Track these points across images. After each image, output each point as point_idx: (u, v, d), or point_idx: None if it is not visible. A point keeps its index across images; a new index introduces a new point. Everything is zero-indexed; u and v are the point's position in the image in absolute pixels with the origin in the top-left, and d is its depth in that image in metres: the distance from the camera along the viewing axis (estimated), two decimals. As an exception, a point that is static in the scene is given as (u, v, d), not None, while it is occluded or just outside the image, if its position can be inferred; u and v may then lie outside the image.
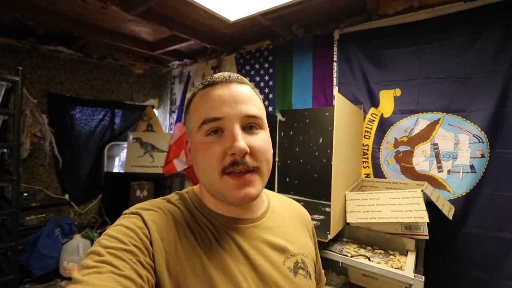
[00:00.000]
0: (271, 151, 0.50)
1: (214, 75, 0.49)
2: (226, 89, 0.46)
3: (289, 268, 0.50)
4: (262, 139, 0.47)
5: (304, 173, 1.96)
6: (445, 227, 1.45)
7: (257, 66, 2.33)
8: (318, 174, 1.89)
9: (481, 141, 1.43)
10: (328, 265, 1.47)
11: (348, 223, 1.36)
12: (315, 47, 2.01)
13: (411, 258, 1.17)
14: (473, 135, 1.45)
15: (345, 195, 1.42)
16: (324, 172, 1.85)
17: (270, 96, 2.24)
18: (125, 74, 2.98)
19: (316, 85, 1.98)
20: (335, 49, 1.92)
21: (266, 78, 2.26)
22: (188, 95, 0.52)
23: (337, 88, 1.79)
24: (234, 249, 0.47)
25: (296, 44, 2.11)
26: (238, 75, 0.50)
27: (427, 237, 1.20)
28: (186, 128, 0.53)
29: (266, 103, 2.25)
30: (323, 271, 0.69)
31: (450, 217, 1.32)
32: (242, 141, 0.44)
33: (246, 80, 0.51)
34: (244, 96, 0.47)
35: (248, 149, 0.44)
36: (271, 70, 2.23)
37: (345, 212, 1.37)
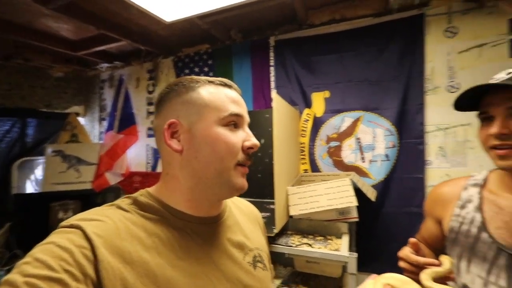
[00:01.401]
0: None
1: (221, 79, 0.52)
2: (239, 95, 0.52)
3: (249, 263, 0.52)
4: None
5: (248, 174, 2.00)
6: (370, 209, 1.67)
7: (196, 69, 2.31)
8: (262, 174, 1.97)
9: (392, 133, 1.71)
10: (275, 259, 1.54)
11: (291, 216, 1.46)
12: (253, 52, 2.11)
13: (345, 240, 1.32)
14: (386, 129, 1.73)
15: (287, 190, 1.51)
16: (267, 172, 1.93)
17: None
18: (40, 77, 2.57)
19: (256, 88, 2.07)
20: (272, 54, 2.05)
21: (207, 81, 2.25)
22: (197, 85, 0.50)
23: (275, 91, 1.91)
24: (197, 251, 0.46)
25: (235, 49, 2.16)
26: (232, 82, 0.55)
27: (357, 219, 1.37)
28: (182, 117, 0.48)
29: (208, 106, 2.23)
30: (271, 265, 0.74)
31: (373, 199, 1.54)
32: (254, 138, 0.50)
33: None
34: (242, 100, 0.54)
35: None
36: (211, 74, 2.23)
37: (288, 206, 1.46)
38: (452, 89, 1.61)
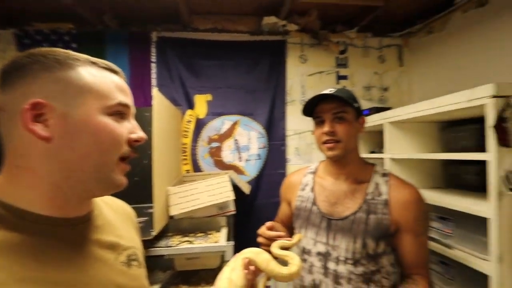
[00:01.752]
0: None
1: (105, 62, 0.46)
2: (126, 84, 0.48)
3: (122, 262, 0.50)
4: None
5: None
6: (245, 203, 1.89)
7: (53, 52, 1.87)
8: (140, 176, 1.83)
9: (263, 136, 2.01)
10: (153, 264, 1.47)
11: (172, 217, 1.44)
12: (132, 44, 1.94)
13: (224, 232, 1.44)
14: (258, 132, 2.01)
15: (167, 190, 1.49)
16: (145, 174, 1.81)
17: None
18: None
19: (134, 84, 1.91)
20: (153, 50, 1.95)
21: (69, 68, 1.87)
22: (76, 63, 0.42)
23: (156, 88, 1.83)
24: (59, 257, 0.40)
25: (110, 36, 1.92)
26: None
27: (234, 212, 1.52)
28: (54, 98, 0.39)
29: (70, 98, 1.86)
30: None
31: (248, 192, 1.76)
32: (141, 131, 0.47)
33: None
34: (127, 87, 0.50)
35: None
36: (75, 60, 1.87)
37: (168, 207, 1.44)
38: (304, 103, 2.08)
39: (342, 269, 0.79)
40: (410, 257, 0.80)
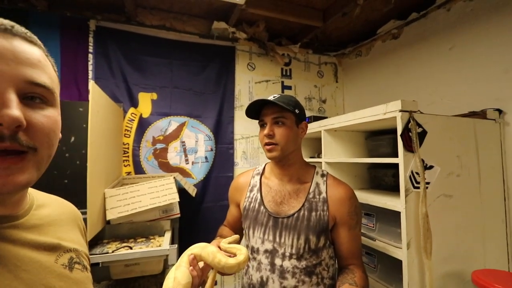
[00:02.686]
0: (58, 134, 0.42)
1: None
2: (5, 42, 0.34)
3: (63, 265, 0.46)
4: (48, 116, 0.38)
5: (52, 181, 1.58)
6: (192, 206, 1.85)
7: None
8: (70, 179, 1.62)
9: (210, 139, 2.01)
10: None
11: (108, 222, 1.32)
12: (65, 30, 1.72)
13: (167, 236, 1.38)
14: (206, 135, 2.01)
15: (104, 193, 1.36)
16: (77, 176, 1.61)
17: None
18: None
19: (66, 74, 1.69)
20: (91, 40, 1.78)
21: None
22: None
23: (93, 81, 1.66)
24: None
25: (36, 17, 1.67)
26: (27, 31, 0.38)
27: (179, 215, 1.48)
28: None
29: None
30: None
31: (194, 195, 1.73)
32: (17, 109, 0.33)
33: (38, 41, 0.40)
34: (31, 58, 0.37)
35: (23, 122, 0.34)
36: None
37: (104, 211, 1.31)
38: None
39: (287, 264, 0.84)
40: (345, 249, 0.88)
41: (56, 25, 1.71)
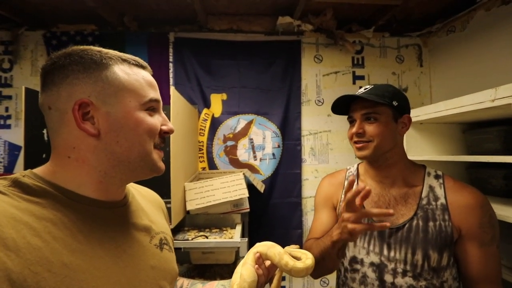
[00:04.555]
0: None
1: (134, 58, 0.50)
2: (152, 78, 0.52)
3: (155, 245, 0.54)
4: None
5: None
6: (260, 201, 1.90)
7: (78, 52, 1.96)
8: (158, 172, 1.89)
9: (277, 135, 2.02)
10: (171, 257, 1.51)
11: (188, 212, 1.47)
12: (151, 45, 2.00)
13: (238, 229, 1.45)
14: (273, 131, 2.02)
15: (184, 186, 1.52)
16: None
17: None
18: None
19: (153, 83, 1.96)
20: (171, 50, 2.01)
21: (92, 68, 1.96)
22: (109, 62, 0.46)
23: (173, 87, 1.88)
24: (101, 236, 0.44)
25: (130, 37, 1.99)
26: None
27: (248, 210, 1.54)
28: (96, 97, 0.44)
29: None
30: None
31: (262, 191, 1.77)
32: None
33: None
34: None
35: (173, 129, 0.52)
36: (98, 60, 1.95)
37: (184, 202, 1.47)
38: (319, 103, 2.08)
39: (401, 282, 0.72)
40: (476, 270, 0.70)
41: (144, 41, 2.00)
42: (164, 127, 0.51)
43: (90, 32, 1.98)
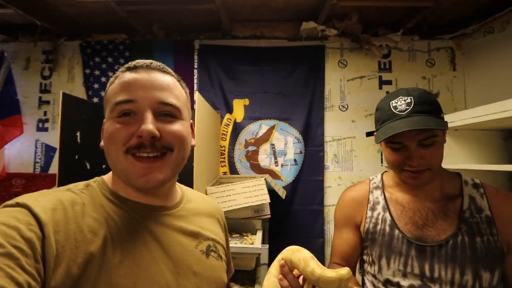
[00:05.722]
0: (189, 141, 0.51)
1: (137, 60, 0.48)
2: (145, 74, 0.46)
3: (201, 251, 0.53)
4: (177, 126, 0.47)
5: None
6: (280, 207, 1.87)
7: (110, 59, 2.08)
8: (180, 176, 1.92)
9: (299, 141, 1.99)
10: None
11: (209, 216, 1.47)
12: (176, 52, 2.07)
13: (259, 235, 1.43)
14: (295, 137, 1.99)
15: (205, 190, 1.53)
16: (186, 174, 1.90)
17: (107, 86, 2.07)
18: None
19: (178, 89, 2.02)
20: (196, 57, 2.06)
21: (122, 75, 2.06)
22: (111, 79, 0.49)
23: (197, 92, 1.92)
24: (145, 235, 0.46)
25: (157, 45, 2.08)
26: (162, 64, 0.50)
27: (269, 216, 1.51)
28: (104, 111, 0.49)
29: (121, 102, 2.04)
30: (232, 263, 0.72)
31: (283, 197, 1.74)
32: (151, 124, 0.43)
33: (170, 70, 0.51)
34: (163, 84, 0.47)
35: (157, 133, 0.43)
36: (127, 67, 2.06)
37: (206, 206, 1.47)
38: (343, 109, 2.02)
39: None
40: None
41: (171, 49, 2.08)
42: (136, 133, 0.43)
43: (122, 41, 2.09)
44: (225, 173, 1.99)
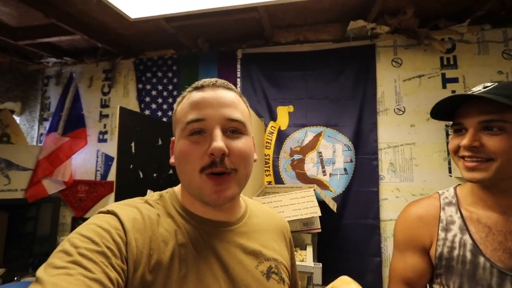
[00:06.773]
0: (252, 157, 0.51)
1: (203, 79, 0.50)
2: (211, 92, 0.48)
3: (262, 272, 0.50)
4: (243, 143, 0.48)
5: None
6: (329, 221, 1.72)
7: (159, 74, 2.20)
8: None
9: (349, 149, 1.83)
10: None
11: (255, 228, 1.41)
12: (220, 62, 2.11)
13: (309, 251, 1.32)
14: (344, 144, 1.84)
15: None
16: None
17: (174, 106, 2.16)
18: (-38, 66, 2.17)
19: (222, 98, 2.05)
20: (239, 66, 2.07)
21: (170, 87, 2.16)
22: (178, 99, 0.52)
23: (241, 101, 1.91)
24: (207, 251, 0.47)
25: (202, 57, 2.14)
26: (225, 81, 0.52)
27: (319, 230, 1.39)
28: (173, 130, 0.52)
29: (170, 113, 2.13)
30: (299, 282, 0.68)
31: (335, 210, 1.60)
32: (221, 141, 0.44)
33: (233, 86, 0.53)
34: (228, 100, 0.48)
35: (226, 150, 0.45)
36: (175, 80, 2.15)
37: (252, 217, 1.42)
38: (399, 112, 1.82)
39: None
40: None
41: (215, 60, 2.12)
42: (209, 149, 0.44)
43: (170, 56, 2.21)
44: (269, 182, 1.92)
